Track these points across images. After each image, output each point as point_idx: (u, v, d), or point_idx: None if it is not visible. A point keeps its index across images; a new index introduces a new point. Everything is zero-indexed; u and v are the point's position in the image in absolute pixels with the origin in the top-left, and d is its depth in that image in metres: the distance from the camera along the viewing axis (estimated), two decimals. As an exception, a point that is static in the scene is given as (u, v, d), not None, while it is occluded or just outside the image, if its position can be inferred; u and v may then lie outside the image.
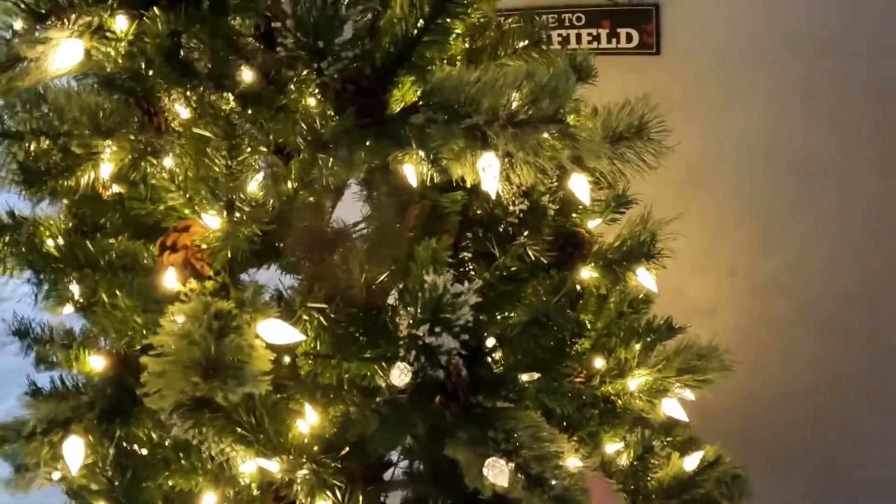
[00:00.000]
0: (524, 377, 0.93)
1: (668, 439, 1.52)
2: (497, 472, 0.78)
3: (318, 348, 0.86)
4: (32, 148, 0.97)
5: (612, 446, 1.28)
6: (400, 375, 0.79)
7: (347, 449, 0.91)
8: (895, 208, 1.86)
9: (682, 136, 1.84)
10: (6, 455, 1.26)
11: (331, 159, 0.79)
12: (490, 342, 0.90)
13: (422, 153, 0.81)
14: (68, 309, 1.25)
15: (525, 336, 0.95)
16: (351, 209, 1.21)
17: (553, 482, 0.76)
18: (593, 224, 1.29)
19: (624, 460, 1.29)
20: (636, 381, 1.21)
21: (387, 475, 1.38)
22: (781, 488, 2.17)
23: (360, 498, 0.91)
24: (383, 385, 0.86)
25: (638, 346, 1.29)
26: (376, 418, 0.83)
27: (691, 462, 1.44)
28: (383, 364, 0.83)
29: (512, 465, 0.78)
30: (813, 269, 1.98)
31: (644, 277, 1.32)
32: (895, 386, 2.01)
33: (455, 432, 0.82)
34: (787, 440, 2.13)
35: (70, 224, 1.16)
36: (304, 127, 0.82)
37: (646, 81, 1.83)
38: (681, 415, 1.27)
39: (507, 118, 0.82)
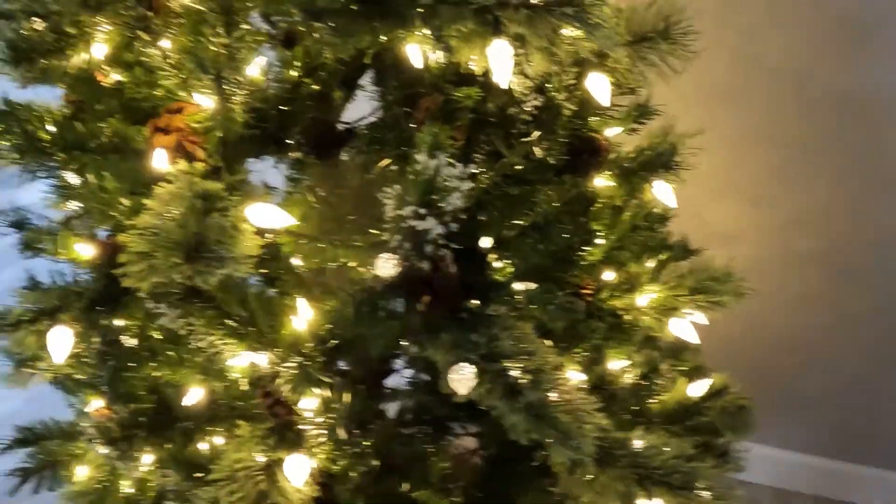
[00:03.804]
0: (519, 286, 0.89)
1: (676, 364, 1.49)
2: (458, 378, 0.75)
3: (305, 229, 0.82)
4: (25, 27, 0.94)
5: (617, 363, 1.24)
6: (384, 265, 0.75)
7: (338, 344, 0.88)
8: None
9: (711, 56, 1.77)
10: (4, 351, 1.26)
11: (326, 29, 0.74)
12: (487, 242, 0.85)
13: (427, 31, 0.75)
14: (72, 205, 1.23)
15: (524, 239, 0.90)
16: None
17: (527, 392, 0.73)
18: (612, 132, 1.23)
19: (628, 378, 1.26)
20: (646, 296, 1.17)
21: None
22: (789, 429, 2.16)
23: (349, 396, 0.88)
24: (369, 277, 0.82)
25: (651, 263, 1.25)
26: (352, 304, 0.79)
27: (697, 389, 1.41)
28: (370, 253, 0.79)
29: (489, 371, 0.74)
30: (839, 209, 1.91)
31: (661, 190, 1.26)
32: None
33: (439, 334, 0.79)
34: (799, 382, 2.09)
35: (68, 111, 1.12)
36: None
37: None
38: (691, 336, 1.22)
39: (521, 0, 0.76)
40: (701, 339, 1.52)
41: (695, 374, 1.50)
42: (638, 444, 1.00)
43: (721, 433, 1.47)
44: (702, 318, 1.25)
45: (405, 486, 1.24)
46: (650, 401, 1.30)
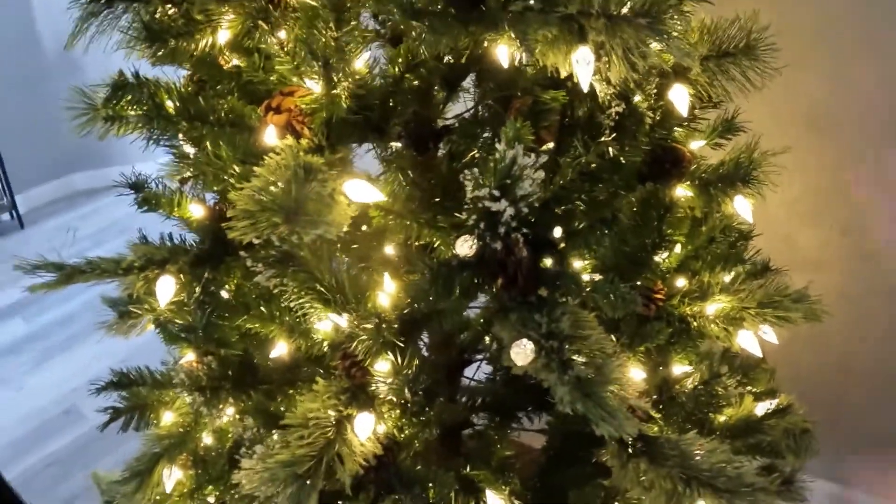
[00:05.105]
0: (586, 277, 0.95)
1: (746, 381, 1.49)
2: (518, 352, 0.81)
3: (393, 206, 0.91)
4: (158, 12, 1.06)
5: (680, 368, 1.27)
6: (463, 245, 0.82)
7: (414, 315, 0.95)
8: None
9: (807, 80, 1.77)
10: (110, 303, 1.39)
11: (422, 27, 0.82)
12: (558, 233, 0.91)
13: (513, 34, 0.82)
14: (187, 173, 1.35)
15: (594, 233, 0.96)
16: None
17: (576, 367, 0.78)
18: (696, 145, 1.27)
19: (689, 384, 1.29)
20: (715, 305, 1.20)
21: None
22: (862, 466, 2.10)
23: (416, 361, 0.95)
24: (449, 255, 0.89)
25: (726, 276, 1.27)
26: (429, 278, 0.87)
27: (764, 408, 1.42)
28: (452, 233, 0.86)
29: (545, 347, 0.81)
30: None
31: (741, 205, 1.29)
32: None
33: (508, 314, 0.86)
34: (877, 421, 2.05)
35: (190, 88, 1.24)
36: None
37: (775, 16, 1.75)
38: (755, 349, 1.24)
39: (601, 9, 0.83)
40: (774, 364, 1.51)
41: (766, 395, 1.50)
42: (692, 448, 1.03)
43: (784, 456, 1.47)
44: (772, 336, 1.26)
45: (467, 467, 1.30)
46: (712, 412, 1.32)
